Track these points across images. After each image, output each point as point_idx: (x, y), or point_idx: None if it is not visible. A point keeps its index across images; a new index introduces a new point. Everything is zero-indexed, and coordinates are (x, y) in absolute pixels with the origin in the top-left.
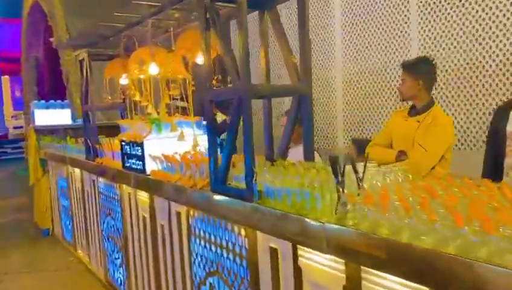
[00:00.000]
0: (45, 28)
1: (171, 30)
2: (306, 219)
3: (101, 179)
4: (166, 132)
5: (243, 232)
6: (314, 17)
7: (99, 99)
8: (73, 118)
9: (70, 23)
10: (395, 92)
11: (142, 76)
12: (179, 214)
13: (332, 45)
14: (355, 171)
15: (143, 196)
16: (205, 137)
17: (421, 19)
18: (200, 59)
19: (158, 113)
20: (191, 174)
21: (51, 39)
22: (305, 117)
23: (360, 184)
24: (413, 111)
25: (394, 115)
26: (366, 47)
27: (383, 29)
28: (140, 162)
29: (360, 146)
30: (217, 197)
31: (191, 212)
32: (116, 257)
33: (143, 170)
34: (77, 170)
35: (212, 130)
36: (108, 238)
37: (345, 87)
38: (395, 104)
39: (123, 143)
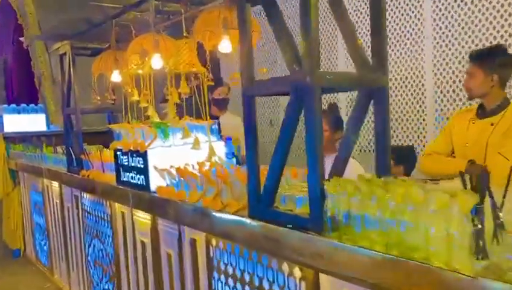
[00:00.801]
0: (15, 28)
1: (181, 14)
2: (440, 270)
3: (86, 195)
4: (174, 139)
5: (297, 272)
6: None
7: (85, 100)
8: (48, 124)
9: (43, 21)
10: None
11: (140, 71)
12: (194, 242)
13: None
14: (491, 196)
15: (142, 217)
16: (220, 144)
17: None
18: (225, 45)
19: (161, 116)
20: (218, 192)
21: (21, 39)
22: (380, 118)
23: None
24: (483, 112)
25: (456, 116)
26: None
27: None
28: (142, 176)
29: (400, 155)
30: (259, 224)
31: (214, 241)
32: (106, 287)
33: (145, 186)
34: (55, 184)
35: (253, 134)
36: (94, 265)
37: None
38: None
39: (118, 153)
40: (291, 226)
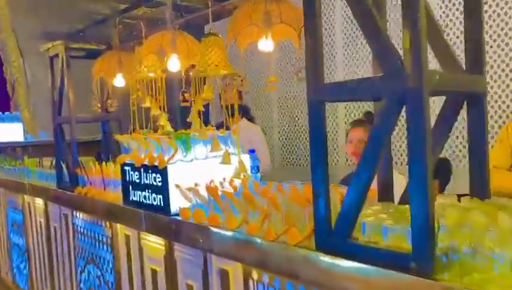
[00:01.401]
0: None
1: (206, 7)
2: None
3: (79, 215)
4: (195, 152)
5: None
6: None
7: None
8: (25, 134)
9: (18, 26)
10: None
11: (151, 74)
12: (224, 273)
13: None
14: None
15: (154, 241)
16: (245, 157)
17: None
18: (267, 43)
19: (173, 127)
20: (265, 217)
21: None
22: (476, 126)
23: None
24: None
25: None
26: None
27: None
28: (160, 196)
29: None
30: (334, 261)
31: (256, 276)
32: None
33: (164, 208)
34: (39, 201)
35: (321, 148)
36: None
37: None
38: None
39: (127, 168)
40: (383, 264)
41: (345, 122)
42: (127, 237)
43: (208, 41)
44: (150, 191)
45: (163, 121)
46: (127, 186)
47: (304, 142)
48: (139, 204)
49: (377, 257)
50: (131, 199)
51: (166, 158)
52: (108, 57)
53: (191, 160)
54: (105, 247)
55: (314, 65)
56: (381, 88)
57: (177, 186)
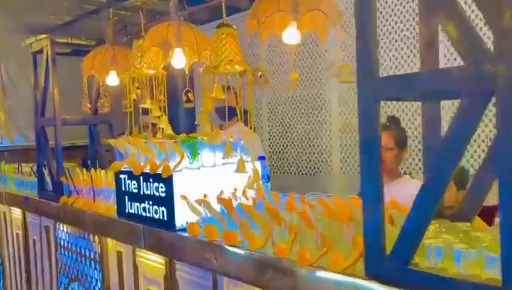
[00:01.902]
0: None
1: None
2: None
3: (63, 227)
4: (203, 159)
5: None
6: None
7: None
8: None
9: None
10: None
11: (152, 71)
12: None
13: None
14: None
15: (151, 259)
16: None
17: None
18: (293, 34)
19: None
20: (296, 235)
21: None
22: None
23: None
24: None
25: None
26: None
27: None
28: (162, 209)
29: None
30: None
31: None
32: None
33: (169, 222)
34: (17, 211)
35: (374, 155)
36: None
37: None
38: None
39: (123, 177)
40: None
41: (340, 129)
42: (119, 254)
43: (221, 32)
44: (150, 202)
45: (164, 123)
46: (122, 197)
47: (295, 150)
48: (136, 217)
49: (450, 287)
50: (127, 211)
51: (171, 165)
52: (101, 53)
53: (198, 168)
54: (92, 264)
55: (368, 52)
56: (463, 79)
57: (184, 197)
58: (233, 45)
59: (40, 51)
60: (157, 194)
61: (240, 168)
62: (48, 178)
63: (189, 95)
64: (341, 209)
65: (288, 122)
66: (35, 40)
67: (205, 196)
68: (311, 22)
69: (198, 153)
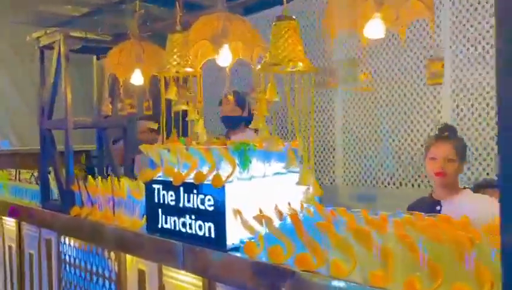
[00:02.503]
0: None
1: None
2: None
3: (70, 242)
4: (255, 169)
5: None
6: None
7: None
8: None
9: None
10: None
11: (189, 69)
12: None
13: None
14: None
15: (185, 280)
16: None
17: None
18: (377, 28)
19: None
20: (392, 262)
21: None
22: None
23: None
24: None
25: None
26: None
27: None
28: (210, 224)
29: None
30: None
31: None
32: None
33: (217, 240)
34: (10, 222)
35: None
36: None
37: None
38: None
39: (156, 186)
40: None
41: (344, 134)
42: (141, 273)
43: (283, 26)
44: (193, 217)
45: (200, 127)
46: (154, 210)
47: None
48: (172, 233)
49: None
50: (160, 226)
51: (223, 175)
52: (127, 48)
53: (250, 178)
54: (107, 283)
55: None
56: None
57: (238, 212)
58: (296, 40)
59: (49, 46)
60: (202, 207)
61: (304, 180)
62: (53, 186)
63: (229, 97)
64: (450, 231)
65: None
66: (45, 33)
67: (261, 211)
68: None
69: (250, 162)
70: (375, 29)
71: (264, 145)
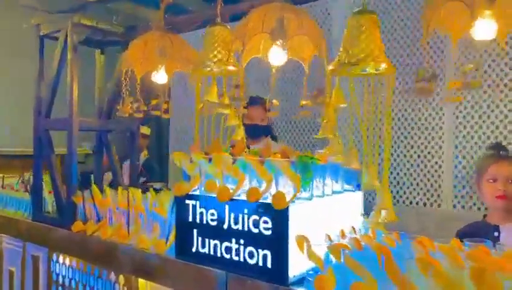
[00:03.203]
0: None
1: None
2: None
3: (62, 259)
4: (315, 186)
5: None
6: None
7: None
8: None
9: None
10: None
11: (231, 68)
12: None
13: None
14: None
15: None
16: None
17: None
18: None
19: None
20: None
21: None
22: None
23: None
24: None
25: None
26: None
27: None
28: (266, 252)
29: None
30: None
31: None
32: None
33: (276, 272)
34: None
35: None
36: None
37: None
38: None
39: (191, 202)
40: None
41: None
42: None
43: (363, 20)
44: (242, 241)
45: (240, 135)
46: (187, 230)
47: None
48: (212, 260)
49: None
50: (194, 250)
51: (286, 195)
52: (153, 41)
53: (310, 198)
54: None
55: None
56: None
57: (304, 239)
58: (378, 38)
59: (51, 36)
60: (255, 231)
61: (386, 203)
62: (47, 196)
63: (274, 101)
64: None
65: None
66: (48, 20)
67: (329, 237)
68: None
69: (312, 179)
70: (485, 29)
71: (329, 159)
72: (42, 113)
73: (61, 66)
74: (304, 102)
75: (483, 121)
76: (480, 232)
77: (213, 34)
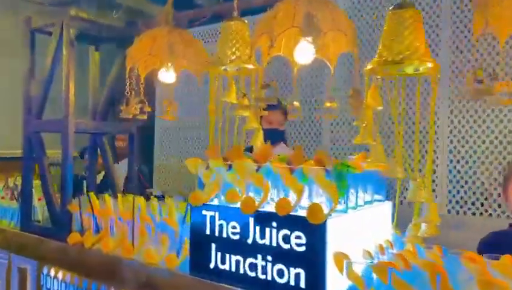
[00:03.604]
0: None
1: None
2: None
3: (54, 272)
4: (350, 198)
5: None
6: None
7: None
8: None
9: None
10: None
11: (250, 66)
12: None
13: None
14: None
15: None
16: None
17: None
18: None
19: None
20: None
21: None
22: None
23: None
24: None
25: None
26: None
27: None
28: (298, 270)
29: None
30: None
31: None
32: None
33: None
34: None
35: None
36: None
37: None
38: None
39: (209, 213)
40: None
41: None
42: None
43: (407, 15)
44: (270, 258)
45: (260, 140)
46: (203, 243)
47: None
48: (232, 277)
49: None
50: (213, 266)
51: (324, 207)
52: (162, 37)
53: (345, 210)
54: None
55: None
56: None
57: (343, 256)
58: (422, 35)
59: (44, 30)
60: (286, 246)
61: (432, 216)
62: (37, 204)
63: (295, 103)
64: None
65: None
66: (40, 12)
67: (369, 254)
68: None
69: (348, 189)
70: None
71: (365, 168)
72: (33, 114)
73: (55, 62)
74: (328, 104)
75: (479, 126)
76: (506, 241)
77: (230, 29)
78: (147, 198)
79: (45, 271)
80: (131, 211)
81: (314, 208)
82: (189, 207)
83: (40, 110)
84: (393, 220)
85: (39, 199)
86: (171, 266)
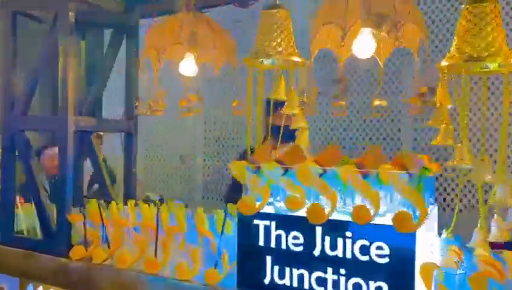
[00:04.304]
0: None
1: None
2: None
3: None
4: None
5: None
6: None
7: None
8: None
9: None
10: None
11: (297, 59)
12: None
13: None
14: None
15: None
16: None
17: None
18: None
19: None
20: None
21: None
22: None
23: None
24: None
25: None
26: None
27: None
28: (379, 284)
29: None
30: None
31: None
32: None
33: None
34: None
35: None
36: None
37: None
38: None
39: (262, 223)
40: None
41: None
42: None
43: (488, 8)
44: (344, 272)
45: (305, 140)
46: (256, 256)
47: None
48: None
49: None
50: (269, 281)
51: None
52: (186, 24)
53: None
54: None
55: None
56: None
57: (434, 267)
58: (502, 30)
59: (27, 13)
60: (364, 258)
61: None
62: (23, 211)
63: (341, 102)
64: None
65: None
66: None
67: (455, 263)
68: None
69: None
70: None
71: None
72: (16, 110)
73: (47, 52)
74: (377, 102)
75: None
76: None
77: (273, 17)
78: (144, 202)
79: (31, 288)
80: (150, 219)
81: (401, 216)
82: (228, 216)
83: (25, 106)
84: (443, 226)
85: (21, 204)
86: (212, 282)
